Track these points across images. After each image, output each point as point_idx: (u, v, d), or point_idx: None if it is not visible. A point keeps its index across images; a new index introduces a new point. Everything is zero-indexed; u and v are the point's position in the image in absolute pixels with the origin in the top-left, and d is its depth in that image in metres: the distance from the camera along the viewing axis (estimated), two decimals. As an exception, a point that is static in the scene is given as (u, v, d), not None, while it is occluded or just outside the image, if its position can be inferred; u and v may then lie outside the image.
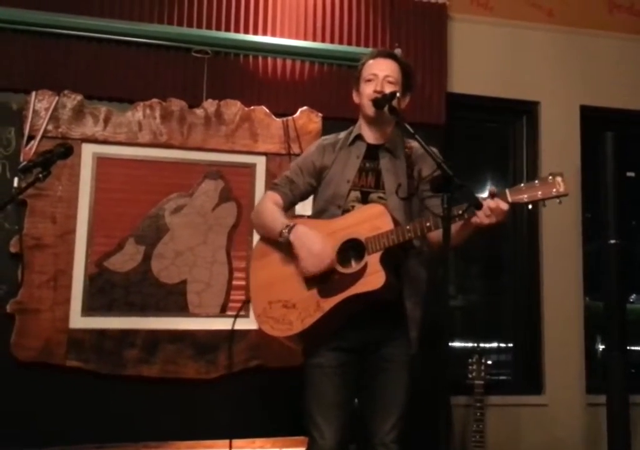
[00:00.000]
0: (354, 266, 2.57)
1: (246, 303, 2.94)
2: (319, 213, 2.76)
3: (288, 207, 2.82)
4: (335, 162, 2.76)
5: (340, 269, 2.57)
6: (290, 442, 3.45)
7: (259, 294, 2.73)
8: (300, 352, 2.75)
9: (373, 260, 2.52)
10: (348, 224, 2.60)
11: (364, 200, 2.69)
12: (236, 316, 2.99)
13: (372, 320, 2.61)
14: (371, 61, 2.76)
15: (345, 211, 2.67)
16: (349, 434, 2.66)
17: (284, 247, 2.67)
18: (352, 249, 2.60)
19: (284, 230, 2.61)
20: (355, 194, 2.70)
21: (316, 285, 2.60)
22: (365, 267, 2.53)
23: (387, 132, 2.77)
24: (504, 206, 2.37)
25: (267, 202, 2.78)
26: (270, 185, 2.93)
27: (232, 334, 3.02)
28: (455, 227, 2.44)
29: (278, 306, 2.65)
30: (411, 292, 2.67)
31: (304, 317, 2.58)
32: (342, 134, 2.85)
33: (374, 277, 2.50)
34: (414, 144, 2.70)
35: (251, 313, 3.47)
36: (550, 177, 2.39)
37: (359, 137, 2.78)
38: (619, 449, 3.93)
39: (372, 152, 2.76)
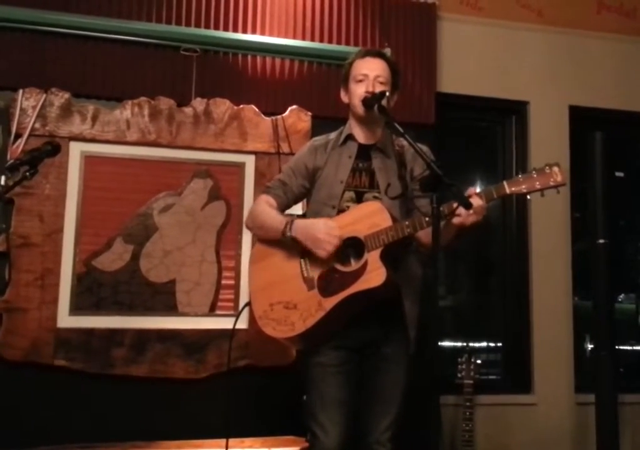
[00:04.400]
0: (354, 264, 2.57)
1: (246, 306, 2.92)
2: (314, 214, 2.73)
3: (282, 210, 2.78)
4: (327, 163, 2.74)
5: (340, 267, 2.57)
6: (280, 441, 3.44)
7: (260, 297, 2.70)
8: (293, 352, 2.75)
9: (373, 257, 2.51)
10: (346, 223, 2.59)
11: (359, 200, 2.68)
12: (237, 316, 2.99)
13: (372, 320, 2.62)
14: (360, 60, 2.74)
15: (341, 211, 2.66)
16: (351, 433, 2.65)
17: (284, 248, 2.66)
18: (350, 248, 2.59)
19: (286, 229, 2.59)
20: (350, 194, 2.69)
21: (317, 285, 2.59)
22: (365, 265, 2.52)
23: (378, 131, 2.76)
24: (481, 203, 2.40)
25: (262, 205, 2.75)
26: (263, 189, 2.90)
27: (232, 334, 3.02)
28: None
29: (279, 307, 2.63)
30: (409, 290, 2.67)
31: (305, 317, 2.57)
32: (333, 135, 2.84)
33: (374, 274, 2.50)
34: (405, 142, 2.70)
35: (243, 313, 3.47)
36: (547, 168, 2.43)
37: (350, 137, 2.76)
38: (607, 447, 3.94)
39: (364, 152, 2.75)
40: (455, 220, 2.41)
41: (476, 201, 2.38)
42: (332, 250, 2.54)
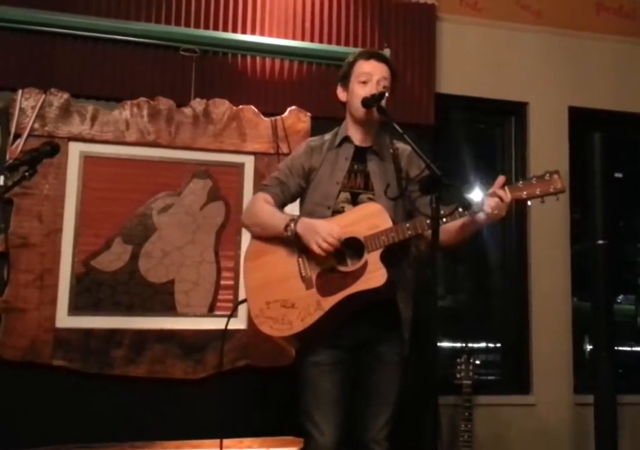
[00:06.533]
0: (353, 264, 2.57)
1: (241, 303, 2.92)
2: (308, 214, 2.73)
3: (279, 208, 2.78)
4: (323, 164, 2.75)
5: (340, 267, 2.57)
6: (278, 441, 3.44)
7: (256, 295, 2.70)
8: (293, 352, 2.75)
9: (373, 258, 2.52)
10: (345, 223, 2.60)
11: (354, 200, 2.70)
12: (230, 316, 2.98)
13: (367, 320, 2.62)
14: (365, 62, 2.74)
15: (335, 212, 2.67)
16: (346, 432, 2.66)
17: (281, 246, 2.66)
18: (349, 248, 2.59)
19: (290, 224, 2.59)
20: (345, 195, 2.70)
21: (315, 284, 2.59)
22: (365, 265, 2.53)
23: (373, 133, 2.78)
24: (507, 198, 2.44)
25: (260, 202, 2.76)
26: (259, 186, 2.90)
27: (224, 333, 3.00)
28: (455, 224, 2.52)
29: (276, 306, 2.62)
30: (402, 292, 2.68)
31: (304, 316, 2.57)
32: (328, 136, 2.85)
33: (375, 275, 2.51)
34: (400, 145, 2.73)
35: (240, 313, 3.48)
36: (547, 175, 2.49)
37: (347, 139, 2.78)
38: (606, 448, 3.94)
39: (360, 154, 2.76)
40: (478, 216, 2.46)
41: (504, 195, 2.43)
42: (326, 248, 2.53)
